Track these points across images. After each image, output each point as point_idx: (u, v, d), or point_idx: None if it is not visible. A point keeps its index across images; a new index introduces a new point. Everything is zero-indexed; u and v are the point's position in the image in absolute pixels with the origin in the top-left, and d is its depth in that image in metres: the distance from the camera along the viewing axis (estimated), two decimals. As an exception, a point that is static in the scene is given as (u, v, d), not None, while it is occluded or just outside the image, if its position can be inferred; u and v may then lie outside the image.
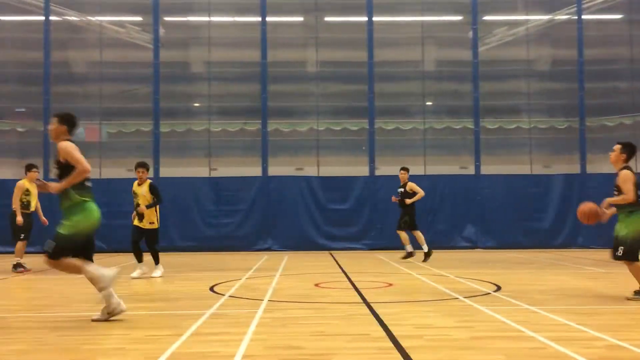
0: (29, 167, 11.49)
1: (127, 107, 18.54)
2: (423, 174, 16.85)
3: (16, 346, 4.65)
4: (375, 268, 11.38)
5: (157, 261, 10.02)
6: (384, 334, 4.99)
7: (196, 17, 19.02)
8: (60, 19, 18.03)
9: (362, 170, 17.35)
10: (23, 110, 18.83)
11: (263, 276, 9.87)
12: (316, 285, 8.57)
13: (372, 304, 6.58)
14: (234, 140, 18.54)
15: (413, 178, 13.14)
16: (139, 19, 18.71)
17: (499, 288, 7.94)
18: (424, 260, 12.06)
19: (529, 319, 5.60)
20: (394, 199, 12.79)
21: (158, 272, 9.96)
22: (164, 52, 17.70)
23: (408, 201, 12.43)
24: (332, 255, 14.50)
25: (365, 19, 17.77)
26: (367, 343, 4.67)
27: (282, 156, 18.00)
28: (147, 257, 10.02)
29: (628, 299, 6.84)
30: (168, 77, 17.88)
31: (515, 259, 13.03)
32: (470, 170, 17.47)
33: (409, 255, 12.35)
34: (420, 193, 12.44)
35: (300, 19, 19.41)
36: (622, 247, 6.72)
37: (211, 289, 8.16)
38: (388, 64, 18.29)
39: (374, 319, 5.71)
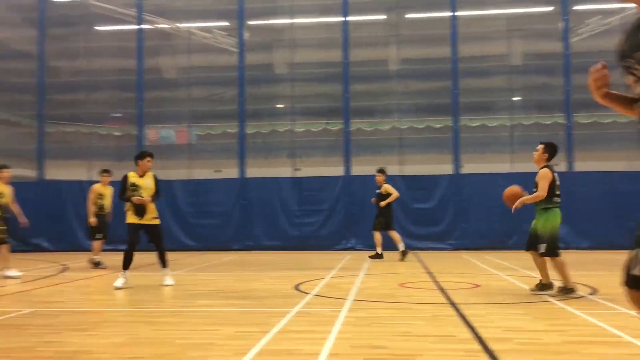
0: (103, 172, 12.30)
1: (214, 110, 19.17)
2: (510, 171, 16.29)
3: (113, 339, 4.91)
4: (460, 268, 11.14)
5: (166, 264, 8.72)
6: (471, 335, 4.87)
7: (279, 19, 19.36)
8: (152, 27, 18.88)
9: (447, 169, 17.01)
10: (119, 115, 19.89)
11: (347, 275, 9.90)
12: (400, 285, 8.49)
13: (458, 305, 6.44)
14: (316, 140, 18.72)
15: (502, 176, 12.79)
16: (225, 24, 19.28)
17: (594, 291, 7.55)
18: (401, 260, 12.54)
19: (627, 324, 5.28)
20: (373, 200, 13.28)
21: (170, 279, 8.72)
22: (248, 55, 18.15)
23: (382, 203, 12.90)
24: (417, 255, 14.32)
25: (449, 14, 17.43)
26: (454, 345, 4.58)
27: (365, 155, 17.97)
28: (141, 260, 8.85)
29: (553, 295, 7.07)
30: (253, 80, 18.31)
31: (612, 260, 12.35)
32: (562, 167, 16.72)
33: (378, 256, 12.82)
34: (394, 195, 12.92)
35: (383, 17, 19.31)
36: (544, 245, 7.08)
37: (296, 287, 8.27)
38: (472, 59, 17.86)
39: (460, 320, 5.58)
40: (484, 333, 4.92)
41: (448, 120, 17.46)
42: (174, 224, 17.30)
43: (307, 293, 7.61)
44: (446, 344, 4.61)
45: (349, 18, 17.81)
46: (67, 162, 18.51)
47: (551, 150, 7.36)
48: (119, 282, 8.28)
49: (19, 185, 17.69)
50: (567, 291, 7.07)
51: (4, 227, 10.32)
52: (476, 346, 4.49)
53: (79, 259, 13.41)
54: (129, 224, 8.50)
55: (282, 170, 17.93)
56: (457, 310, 6.15)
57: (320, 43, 18.82)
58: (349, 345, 4.55)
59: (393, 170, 17.54)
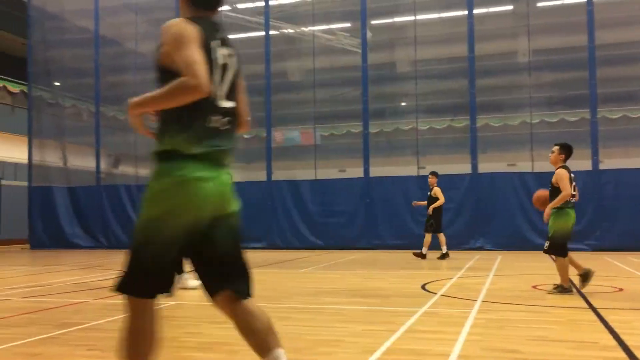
0: None
1: (338, 110, 19.45)
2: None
3: (249, 332, 5.13)
4: (601, 270, 10.39)
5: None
6: (614, 342, 4.53)
7: (402, 17, 19.24)
8: (278, 32, 19.55)
9: (584, 165, 15.95)
10: (248, 118, 20.78)
11: (476, 276, 9.61)
12: (534, 287, 8.10)
13: (599, 310, 6.02)
14: (441, 137, 18.37)
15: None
16: (347, 25, 19.50)
17: None
18: (440, 259, 13.05)
19: None
20: (415, 203, 13.75)
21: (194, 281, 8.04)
22: (371, 54, 18.21)
23: (430, 208, 13.23)
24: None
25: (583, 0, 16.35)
26: (595, 352, 4.29)
27: (493, 152, 17.36)
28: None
29: (549, 292, 7.32)
30: (376, 79, 18.35)
31: None
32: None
33: (421, 256, 13.17)
34: (441, 200, 13.21)
35: (510, 7, 18.54)
36: (548, 242, 7.35)
37: (423, 287, 8.17)
38: (610, 47, 16.62)
39: (602, 326, 5.21)
40: (629, 340, 4.56)
41: (585, 113, 16.39)
42: (301, 223, 17.79)
43: (434, 293, 7.49)
44: (586, 350, 4.33)
45: (474, 11, 17.28)
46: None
47: (567, 151, 7.54)
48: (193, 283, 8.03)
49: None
50: (563, 290, 7.25)
51: None
52: (621, 354, 4.17)
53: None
54: None
55: (406, 168, 17.79)
56: (598, 315, 5.75)
57: (443, 38, 18.44)
58: (480, 347, 4.41)
59: (524, 167, 16.77)
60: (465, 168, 16.88)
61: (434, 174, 13.58)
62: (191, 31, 2.47)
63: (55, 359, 4.19)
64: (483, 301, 6.74)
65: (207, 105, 2.51)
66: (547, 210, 7.34)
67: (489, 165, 16.79)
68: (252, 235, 17.78)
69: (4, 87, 23.40)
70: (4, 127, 22.91)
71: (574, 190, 7.35)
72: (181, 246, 2.52)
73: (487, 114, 17.71)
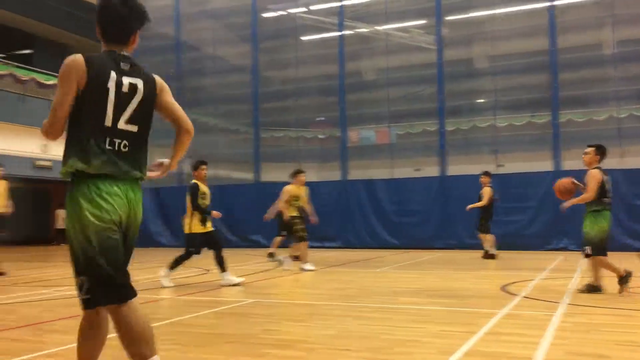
0: (296, 173, 12.78)
1: (413, 109, 19.22)
2: None
3: (325, 331, 5.18)
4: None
5: (225, 268, 8.67)
6: None
7: (478, 12, 18.78)
8: (352, 32, 19.56)
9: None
10: (323, 119, 20.94)
11: (559, 277, 9.25)
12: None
13: (696, 315, 5.65)
14: (521, 134, 17.79)
15: None
16: (422, 22, 19.25)
17: None
18: (483, 258, 13.07)
19: None
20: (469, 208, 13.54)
21: (233, 277, 8.72)
22: (447, 51, 17.90)
23: (469, 207, 13.36)
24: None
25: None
26: (693, 360, 4.03)
27: (577, 148, 16.58)
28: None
29: (579, 291, 7.29)
30: (451, 76, 18.01)
31: None
32: None
33: (490, 256, 13.11)
34: (483, 201, 13.24)
35: (593, -2, 17.71)
36: (589, 247, 7.23)
37: (503, 288, 7.95)
38: None
39: (701, 332, 4.89)
40: None
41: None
42: (377, 223, 17.73)
43: (515, 294, 7.27)
44: (683, 358, 4.08)
45: (556, 2, 16.63)
46: (279, 165, 19.99)
47: (602, 152, 7.52)
48: (234, 279, 8.58)
49: (239, 188, 19.63)
50: (594, 289, 7.23)
51: (303, 226, 10.93)
52: None
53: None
54: (195, 234, 8.65)
55: (484, 167, 17.33)
56: (696, 321, 5.40)
57: (523, 32, 17.85)
58: (565, 351, 4.25)
59: (611, 163, 15.92)
60: (546, 165, 16.26)
61: (486, 174, 13.59)
62: (69, 68, 2.77)
63: (143, 352, 4.38)
64: (568, 304, 6.48)
65: (102, 130, 2.79)
66: (568, 204, 7.50)
67: (573, 162, 16.07)
68: (327, 235, 17.90)
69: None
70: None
71: (608, 192, 7.34)
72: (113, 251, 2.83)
73: (570, 109, 16.99)
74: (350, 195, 18.03)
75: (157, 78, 3.08)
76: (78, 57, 2.81)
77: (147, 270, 11.39)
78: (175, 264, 8.63)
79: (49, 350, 4.51)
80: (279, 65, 20.90)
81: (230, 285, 8.51)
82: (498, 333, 4.95)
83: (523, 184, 16.28)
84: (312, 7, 20.15)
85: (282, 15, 20.72)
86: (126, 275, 2.93)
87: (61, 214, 24.79)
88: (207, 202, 8.86)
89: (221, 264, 8.70)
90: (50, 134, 2.80)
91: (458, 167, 17.27)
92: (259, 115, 19.84)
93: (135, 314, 2.83)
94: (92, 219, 2.76)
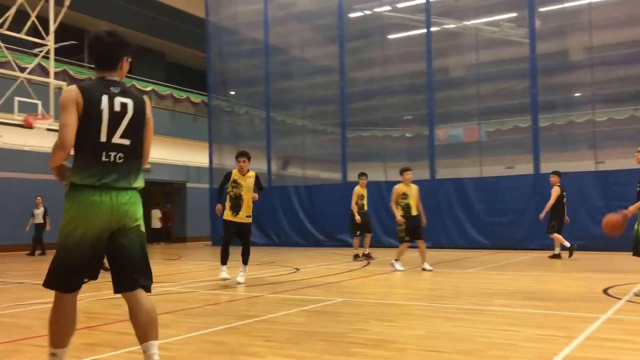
0: (360, 175, 13.17)
1: (504, 105, 18.62)
2: None
3: (414, 331, 5.14)
4: None
5: (246, 262, 9.11)
6: None
7: (574, 2, 17.91)
8: (439, 28, 19.23)
9: None
10: (410, 117, 20.73)
11: (667, 281, 8.65)
12: None
13: None
14: (622, 129, 16.80)
15: None
16: (513, 15, 18.61)
17: None
18: (551, 257, 12.98)
19: None
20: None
21: (243, 277, 8.95)
22: (539, 44, 17.20)
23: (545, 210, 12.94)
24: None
25: None
26: None
27: (687, 143, 15.47)
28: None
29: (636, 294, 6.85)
30: (545, 70, 17.29)
31: None
32: None
33: (556, 256, 13.01)
34: (550, 201, 12.90)
35: None
36: None
37: (605, 291, 7.55)
38: None
39: None
40: None
41: None
42: (467, 222, 17.33)
43: (618, 298, 6.89)
44: None
45: (660, -13, 15.58)
46: (366, 165, 19.99)
47: None
48: (223, 274, 8.90)
49: (327, 187, 19.82)
50: None
51: (403, 227, 10.65)
52: None
53: (378, 255, 14.35)
54: (227, 221, 8.85)
55: (581, 164, 16.53)
56: None
57: (623, 21, 16.83)
58: (676, 360, 3.98)
59: None
60: (652, 161, 15.25)
61: (556, 173, 13.30)
62: (66, 98, 3.24)
63: (238, 348, 4.53)
64: (677, 309, 6.06)
65: (98, 146, 3.26)
66: (628, 214, 7.02)
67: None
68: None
69: (188, 98, 25.77)
70: (188, 134, 25.21)
71: None
72: (86, 251, 3.27)
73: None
74: (439, 195, 17.72)
75: (146, 98, 3.52)
76: (73, 88, 3.28)
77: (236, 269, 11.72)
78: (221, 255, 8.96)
79: (152, 343, 4.75)
80: (366, 64, 20.90)
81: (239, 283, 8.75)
82: (600, 338, 4.72)
83: (625, 181, 15.35)
84: (398, 5, 20.00)
85: (368, 14, 20.70)
86: (83, 271, 3.33)
87: (156, 214, 26.05)
88: (239, 191, 8.84)
89: (244, 258, 9.06)
90: (61, 148, 3.23)
91: (553, 165, 16.52)
92: (345, 116, 19.93)
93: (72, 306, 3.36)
94: (72, 220, 3.27)
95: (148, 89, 23.99)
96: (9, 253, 17.70)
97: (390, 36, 20.40)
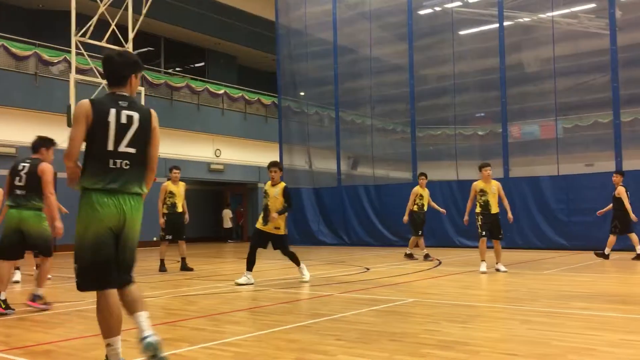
0: (419, 175, 12.88)
1: (583, 100, 17.86)
2: None
3: (488, 333, 5.02)
4: None
5: (297, 262, 9.27)
6: None
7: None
8: (513, 22, 18.68)
9: None
10: (482, 114, 20.25)
11: None
12: None
13: None
14: None
15: None
16: (591, 6, 17.83)
17: None
18: (634, 259, 12.39)
19: None
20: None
21: (305, 273, 9.23)
22: (621, 35, 16.38)
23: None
24: None
25: None
26: None
27: None
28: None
29: None
30: (628, 62, 16.45)
31: None
32: None
33: (604, 256, 12.69)
34: (625, 201, 12.42)
35: None
36: None
37: (694, 295, 7.11)
38: None
39: None
40: None
41: None
42: (543, 222, 16.75)
43: None
44: None
45: None
46: (436, 163, 19.70)
47: None
48: (242, 279, 8.80)
49: (397, 187, 19.67)
50: None
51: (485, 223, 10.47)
52: None
53: (450, 255, 14.12)
54: (255, 228, 9.09)
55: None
56: None
57: None
58: None
59: None
60: None
61: (619, 172, 13.07)
62: (78, 112, 3.61)
63: (308, 346, 4.58)
64: None
65: (106, 154, 3.61)
66: None
67: None
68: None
69: (258, 99, 26.25)
70: (259, 135, 25.68)
71: None
72: (103, 249, 3.60)
73: None
74: (513, 193, 17.18)
75: (152, 111, 3.84)
76: (85, 102, 3.65)
77: (313, 268, 11.83)
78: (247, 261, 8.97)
79: (226, 339, 4.89)
80: (436, 62, 20.60)
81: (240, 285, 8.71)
82: (689, 345, 4.45)
83: None
84: (469, 0, 19.59)
85: (438, 11, 20.39)
86: (111, 268, 3.63)
87: (227, 214, 26.67)
88: (266, 201, 8.91)
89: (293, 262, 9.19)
90: (67, 159, 3.63)
91: (636, 162, 15.71)
92: (415, 114, 19.71)
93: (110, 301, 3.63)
94: (87, 221, 3.61)
95: (220, 91, 24.61)
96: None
97: (462, 32, 19.99)
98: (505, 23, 18.29)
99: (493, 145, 18.61)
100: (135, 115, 3.70)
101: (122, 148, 3.65)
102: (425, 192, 13.55)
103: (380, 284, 8.76)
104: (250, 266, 8.92)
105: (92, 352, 4.46)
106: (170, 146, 22.21)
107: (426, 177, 13.75)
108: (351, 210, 20.53)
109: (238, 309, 6.56)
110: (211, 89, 24.25)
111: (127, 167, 3.67)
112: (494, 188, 10.49)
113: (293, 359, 4.19)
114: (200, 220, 24.95)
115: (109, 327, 3.62)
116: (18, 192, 6.42)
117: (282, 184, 8.88)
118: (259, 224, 9.02)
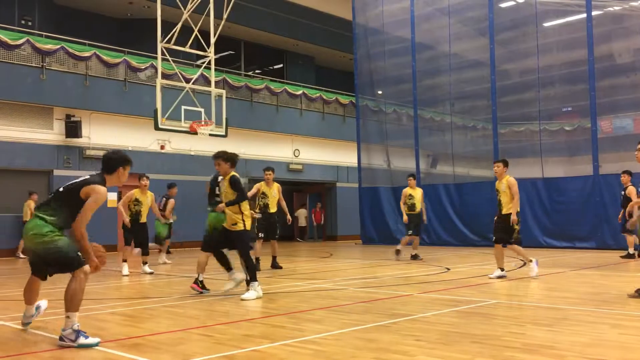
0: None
1: (683, 91, 16.75)
2: None
3: (576, 338, 4.80)
4: None
5: (228, 268, 7.85)
6: None
7: None
8: (602, 12, 17.79)
9: None
10: (569, 109, 19.40)
11: None
12: None
13: None
14: None
15: None
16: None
17: None
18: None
19: None
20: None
21: (230, 285, 7.76)
22: None
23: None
24: None
25: None
26: None
27: None
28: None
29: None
30: None
31: None
32: None
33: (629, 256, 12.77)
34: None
35: None
36: None
37: None
38: None
39: None
40: None
41: None
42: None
43: None
44: None
45: None
46: (519, 160, 19.05)
47: None
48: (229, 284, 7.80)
49: (478, 185, 19.21)
50: None
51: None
52: None
53: (535, 256, 13.60)
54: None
55: None
56: None
57: None
58: None
59: None
60: None
61: (626, 172, 13.01)
62: (100, 199, 5.01)
63: (388, 346, 4.56)
64: None
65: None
66: None
67: None
68: (579, 234, 16.56)
69: (336, 99, 26.35)
70: (337, 135, 25.79)
71: None
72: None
73: None
74: (604, 191, 16.38)
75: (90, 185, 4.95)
76: (104, 190, 4.97)
77: (391, 268, 11.76)
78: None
79: (306, 337, 4.95)
80: (518, 56, 19.92)
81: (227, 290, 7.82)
82: None
83: None
84: (553, -9, 18.83)
85: (520, 3, 19.72)
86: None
87: (302, 213, 26.92)
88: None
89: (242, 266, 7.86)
90: (79, 227, 4.83)
91: None
92: (497, 110, 19.15)
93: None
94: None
95: (299, 92, 24.91)
96: (189, 248, 19.35)
97: (546, 24, 19.23)
98: (594, 13, 17.42)
99: (581, 140, 17.81)
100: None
101: None
102: (416, 192, 13.74)
103: (461, 284, 8.59)
104: (227, 267, 7.93)
105: (179, 347, 4.65)
106: (251, 147, 22.71)
107: (414, 177, 14.19)
108: (431, 209, 20.21)
109: (316, 307, 6.62)
110: (290, 90, 24.59)
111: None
112: (503, 186, 9.53)
113: (372, 359, 4.18)
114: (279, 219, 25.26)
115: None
116: (217, 199, 8.27)
117: (229, 174, 7.64)
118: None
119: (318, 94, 25.75)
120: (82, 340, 4.66)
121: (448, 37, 20.48)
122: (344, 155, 25.54)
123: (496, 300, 6.91)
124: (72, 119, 18.10)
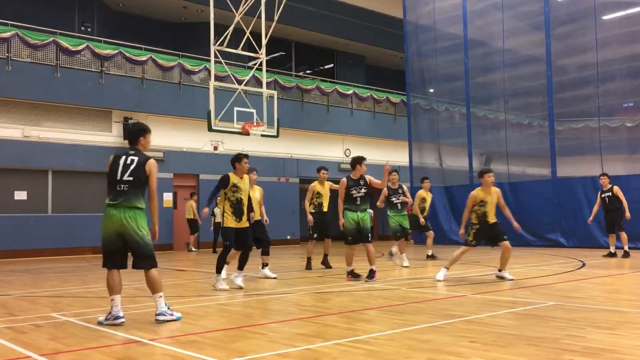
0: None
1: None
2: None
3: (639, 342, 4.64)
4: None
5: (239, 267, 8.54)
6: None
7: None
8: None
9: None
10: (631, 104, 18.68)
11: None
12: None
13: None
14: None
15: None
16: None
17: None
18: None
19: None
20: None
21: (223, 285, 8.30)
22: None
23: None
24: None
25: None
26: None
27: None
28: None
29: None
30: None
31: None
32: None
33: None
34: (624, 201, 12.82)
35: None
36: None
37: None
38: None
39: None
40: None
41: None
42: None
43: None
44: None
45: None
46: (577, 158, 18.47)
47: None
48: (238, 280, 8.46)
49: (534, 184, 18.74)
50: None
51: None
52: None
53: (594, 256, 13.20)
54: (227, 227, 8.24)
55: None
56: None
57: None
58: None
59: None
60: None
61: (605, 175, 13.57)
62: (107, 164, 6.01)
63: (442, 347, 4.50)
64: None
65: (116, 181, 5.77)
66: None
67: None
68: (640, 233, 15.93)
69: (387, 98, 26.21)
70: (388, 134, 25.65)
71: None
72: (112, 246, 5.73)
73: None
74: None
75: (149, 159, 5.85)
76: (110, 158, 6.03)
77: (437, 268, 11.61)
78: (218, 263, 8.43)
79: (359, 337, 4.94)
80: (576, 50, 19.30)
81: (220, 289, 8.19)
82: None
83: None
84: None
85: (577, -4, 19.13)
86: (120, 257, 5.74)
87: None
88: (240, 195, 8.40)
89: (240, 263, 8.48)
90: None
91: None
92: (553, 107, 18.62)
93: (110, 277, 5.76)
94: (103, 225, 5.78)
95: (349, 92, 24.90)
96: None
97: (605, 17, 18.57)
98: (657, 4, 16.72)
99: (644, 137, 17.14)
100: (136, 159, 5.81)
101: (125, 177, 5.75)
102: (429, 196, 14.02)
103: (517, 285, 8.40)
104: (240, 266, 8.54)
105: (234, 344, 4.72)
106: (302, 147, 22.83)
107: (426, 180, 14.33)
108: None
109: (369, 307, 6.60)
110: (340, 90, 24.61)
111: (126, 189, 5.71)
112: (494, 197, 9.65)
113: (425, 360, 4.14)
114: (331, 219, 25.37)
115: (111, 289, 5.70)
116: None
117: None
118: (232, 224, 8.31)
119: (369, 93, 25.68)
120: (176, 314, 5.85)
121: (502, 33, 20.05)
122: (396, 155, 25.36)
123: (554, 302, 6.73)
124: (130, 121, 18.67)
